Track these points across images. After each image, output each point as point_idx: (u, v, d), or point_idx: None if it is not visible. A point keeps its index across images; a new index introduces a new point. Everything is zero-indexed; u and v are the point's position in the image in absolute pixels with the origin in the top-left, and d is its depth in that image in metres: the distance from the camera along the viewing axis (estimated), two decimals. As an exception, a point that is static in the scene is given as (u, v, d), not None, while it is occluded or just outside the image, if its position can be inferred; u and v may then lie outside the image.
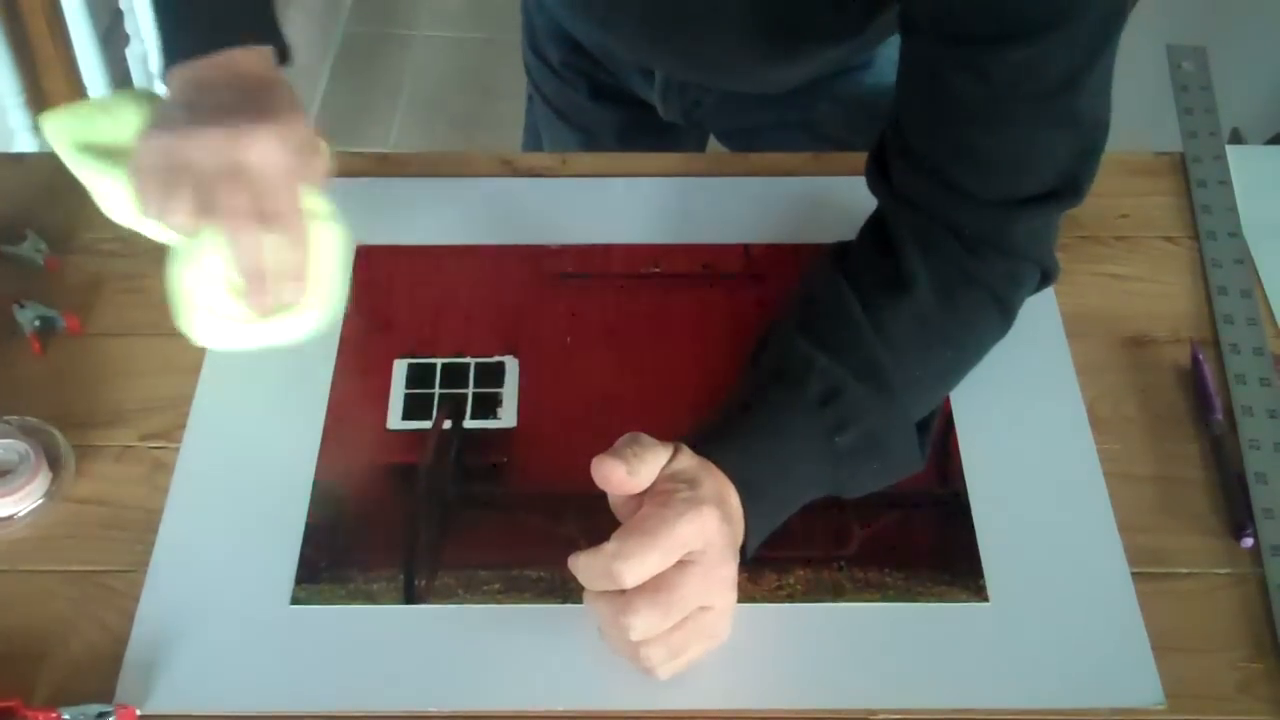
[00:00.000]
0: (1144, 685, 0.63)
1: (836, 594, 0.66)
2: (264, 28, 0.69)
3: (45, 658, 0.64)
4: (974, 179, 0.68)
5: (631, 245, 0.83)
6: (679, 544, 0.58)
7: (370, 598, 0.66)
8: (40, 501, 0.69)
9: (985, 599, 0.66)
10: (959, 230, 0.69)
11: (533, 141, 1.16)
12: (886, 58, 0.92)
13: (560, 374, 0.76)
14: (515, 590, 0.67)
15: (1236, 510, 0.70)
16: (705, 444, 0.63)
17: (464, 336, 0.78)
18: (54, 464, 0.70)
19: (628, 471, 0.59)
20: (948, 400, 0.74)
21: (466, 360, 0.77)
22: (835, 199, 0.84)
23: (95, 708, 0.61)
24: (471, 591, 0.67)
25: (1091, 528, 0.69)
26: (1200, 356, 0.76)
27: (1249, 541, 0.69)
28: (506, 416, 0.74)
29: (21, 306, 0.77)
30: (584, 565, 0.58)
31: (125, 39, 1.83)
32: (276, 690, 0.63)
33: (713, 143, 1.11)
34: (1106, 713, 0.62)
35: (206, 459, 0.71)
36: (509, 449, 0.73)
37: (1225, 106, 0.92)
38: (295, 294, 0.66)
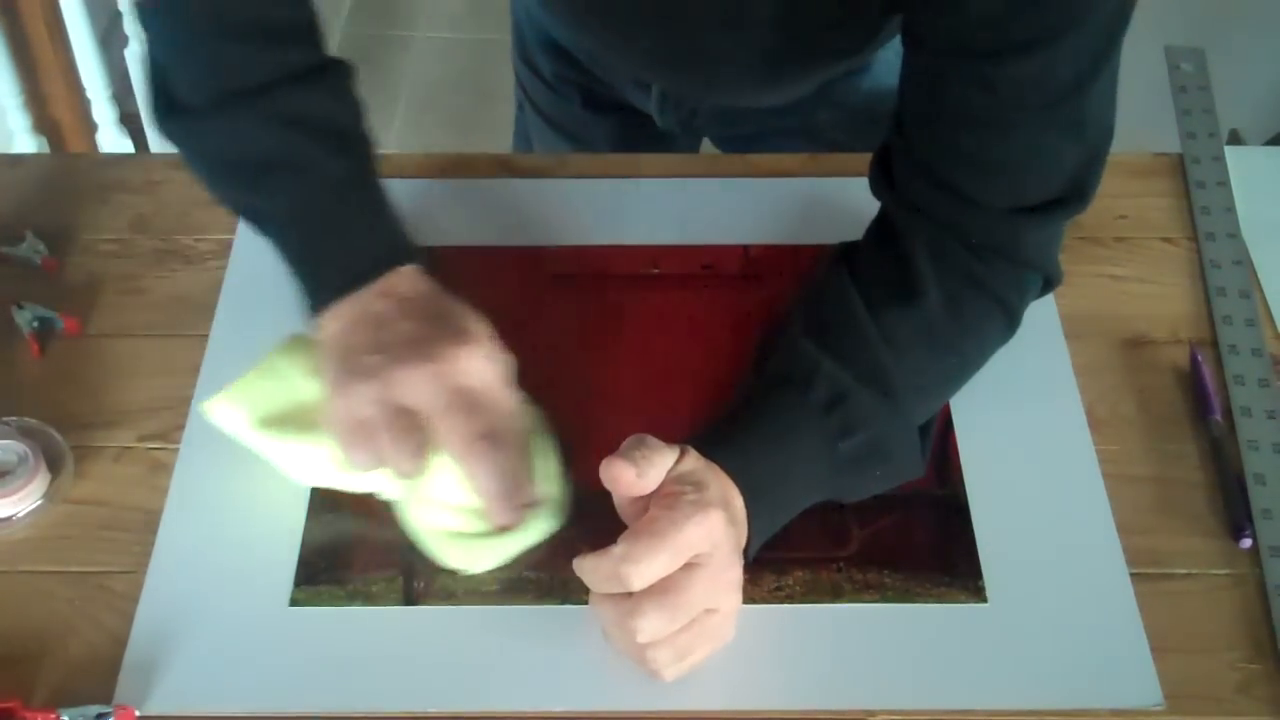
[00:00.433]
0: (1143, 686, 0.63)
1: (835, 595, 0.66)
2: (408, 246, 0.68)
3: (45, 658, 0.64)
4: (980, 187, 0.68)
5: (631, 246, 0.83)
6: (687, 547, 0.58)
7: (369, 599, 0.66)
8: (39, 502, 0.69)
9: (984, 600, 0.66)
10: (967, 238, 0.69)
11: (524, 147, 1.15)
12: (883, 61, 0.92)
13: (560, 375, 0.76)
14: (514, 591, 0.67)
15: (1235, 511, 0.70)
16: (710, 446, 0.63)
17: (463, 337, 0.77)
18: (53, 465, 0.70)
19: (637, 474, 0.59)
20: (947, 402, 0.74)
21: (466, 361, 0.76)
22: (835, 200, 0.84)
23: (94, 708, 0.61)
24: (470, 592, 0.66)
25: (1090, 529, 0.69)
26: (1199, 357, 0.76)
27: (1248, 542, 0.69)
28: (506, 417, 0.74)
29: (20, 308, 0.77)
30: (591, 568, 0.58)
31: (124, 40, 1.83)
32: (276, 691, 0.63)
33: (706, 144, 1.11)
34: (1105, 713, 0.62)
35: (206, 460, 0.71)
36: (508, 450, 0.73)
37: (1224, 107, 0.92)
38: (534, 499, 0.65)
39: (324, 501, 0.70)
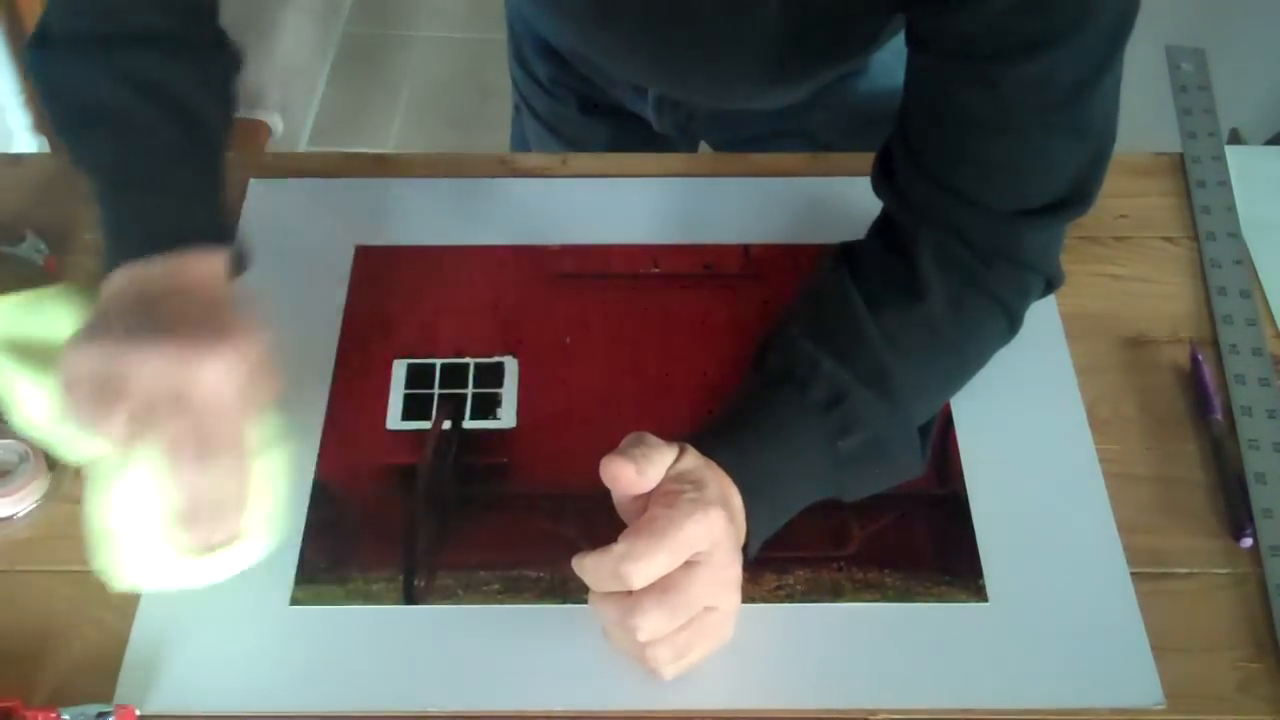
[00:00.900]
0: (1144, 685, 0.63)
1: (836, 594, 0.66)
2: (220, 232, 0.65)
3: (45, 658, 0.64)
4: (984, 190, 0.68)
5: (631, 245, 0.83)
6: (687, 545, 0.58)
7: (370, 598, 0.66)
8: (40, 502, 0.69)
9: (985, 599, 0.66)
10: (970, 239, 0.69)
11: (521, 150, 1.15)
12: (880, 63, 0.92)
13: (560, 374, 0.76)
14: (515, 590, 0.67)
15: (1236, 510, 0.70)
16: (709, 444, 0.63)
17: (463, 337, 0.78)
18: (54, 464, 0.70)
19: (636, 471, 0.59)
20: (947, 402, 0.74)
21: (466, 361, 0.77)
22: (835, 200, 0.84)
23: (95, 708, 0.61)
24: (471, 591, 0.67)
25: (1091, 528, 0.69)
26: (1199, 357, 0.76)
27: (1248, 541, 0.69)
28: (506, 417, 0.74)
29: (21, 307, 0.77)
30: (591, 566, 0.58)
31: (124, 39, 1.83)
32: (276, 690, 0.63)
33: (703, 147, 1.11)
34: (1106, 713, 0.62)
35: (206, 459, 0.71)
36: (508, 449, 0.73)
37: (1224, 107, 0.92)
38: (232, 529, 0.60)
39: (325, 500, 0.70)
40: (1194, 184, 0.87)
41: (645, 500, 0.60)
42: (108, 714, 0.61)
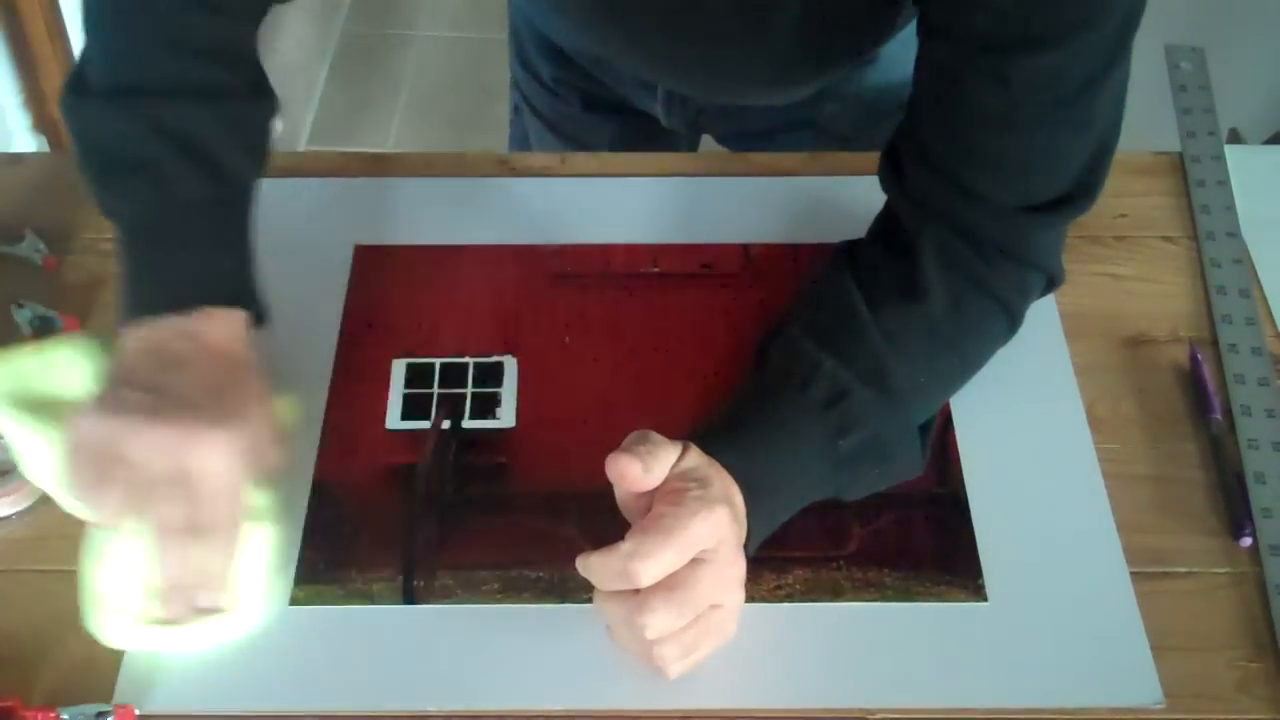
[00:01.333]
0: (1143, 684, 0.63)
1: (835, 594, 0.66)
2: (242, 289, 0.65)
3: (44, 658, 0.64)
4: (991, 183, 0.68)
5: (631, 245, 0.83)
6: (693, 543, 0.58)
7: (369, 598, 0.66)
8: (40, 502, 0.69)
9: (984, 599, 0.66)
10: (974, 236, 0.69)
11: (520, 150, 1.15)
12: (890, 54, 0.91)
13: (559, 374, 0.76)
14: (514, 590, 0.67)
15: (1235, 510, 0.70)
16: (710, 442, 0.63)
17: (463, 336, 0.78)
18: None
19: (643, 469, 0.59)
20: (947, 401, 0.74)
21: (465, 360, 0.77)
22: (835, 199, 0.84)
23: (94, 707, 0.61)
24: (470, 591, 0.67)
25: (1090, 527, 0.69)
26: (1199, 356, 0.76)
27: (1248, 541, 0.69)
28: (505, 416, 0.74)
29: (20, 306, 0.77)
30: (598, 565, 0.58)
31: (124, 39, 1.83)
32: (276, 690, 0.63)
33: (706, 142, 1.11)
34: (1106, 712, 0.62)
35: (205, 459, 0.71)
36: (508, 449, 0.73)
37: (1224, 106, 0.92)
38: (215, 603, 0.61)
39: (324, 500, 0.70)
40: (1193, 183, 0.87)
41: (648, 499, 0.60)
42: (107, 714, 0.61)
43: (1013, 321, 0.72)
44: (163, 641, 0.63)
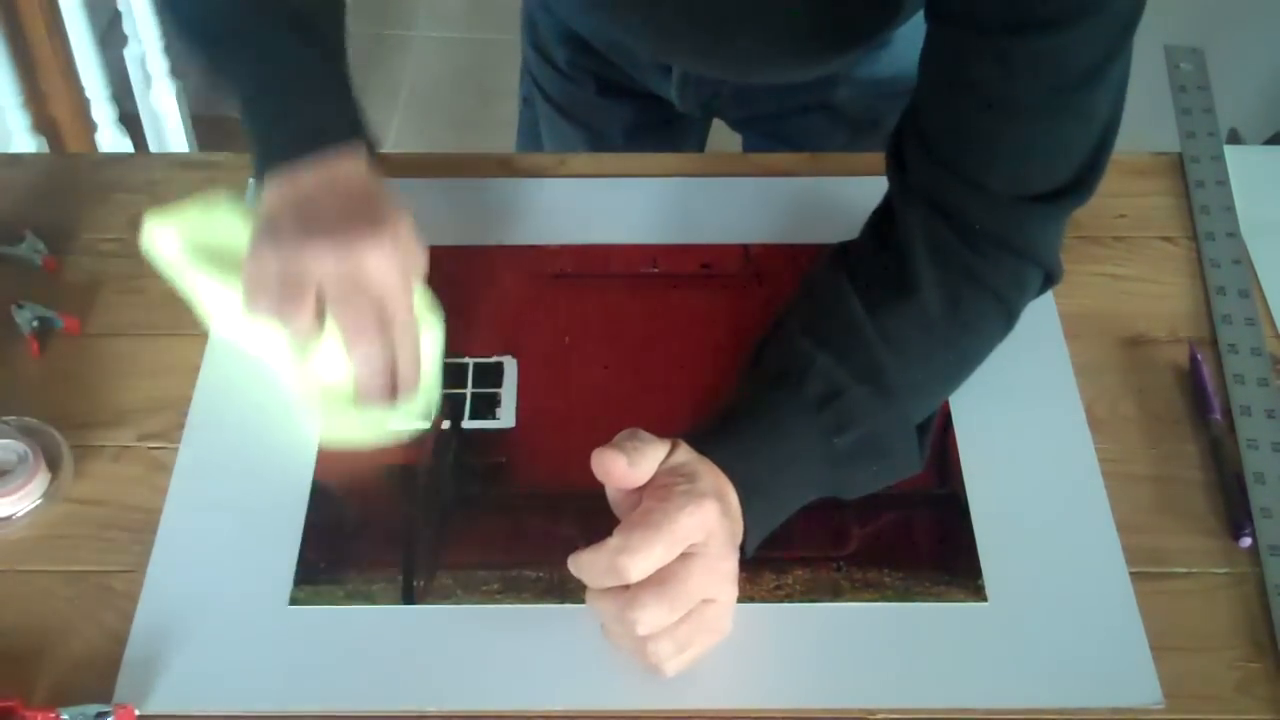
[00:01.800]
0: (1142, 685, 0.63)
1: (835, 594, 0.66)
2: (358, 128, 0.70)
3: (44, 658, 0.64)
4: (988, 170, 0.68)
5: (631, 245, 0.83)
6: (682, 536, 0.58)
7: (369, 598, 0.66)
8: (39, 502, 0.69)
9: (984, 599, 0.66)
10: (969, 227, 0.69)
11: (529, 144, 1.15)
12: (904, 38, 0.91)
13: (559, 374, 0.76)
14: (514, 590, 0.67)
15: (1235, 510, 0.70)
16: (704, 442, 0.63)
17: (462, 337, 0.78)
18: (52, 464, 0.70)
19: (628, 464, 0.59)
20: (946, 400, 0.74)
21: (465, 360, 0.77)
22: (835, 199, 0.84)
23: (94, 708, 0.61)
24: (470, 591, 0.67)
25: (1090, 528, 0.69)
26: (1198, 356, 0.76)
27: (1247, 541, 0.69)
28: (505, 417, 0.74)
29: (20, 307, 0.77)
30: (587, 562, 0.58)
31: (123, 40, 1.83)
32: (275, 690, 0.63)
33: (713, 137, 1.11)
34: (1105, 712, 0.62)
35: (205, 459, 0.71)
36: (507, 449, 0.73)
37: (1223, 107, 0.92)
38: (411, 394, 0.68)
39: (324, 500, 0.70)
40: (1193, 184, 0.87)
41: (639, 496, 0.61)
42: (107, 714, 0.61)
43: (1010, 317, 0.72)
44: (365, 432, 0.71)
